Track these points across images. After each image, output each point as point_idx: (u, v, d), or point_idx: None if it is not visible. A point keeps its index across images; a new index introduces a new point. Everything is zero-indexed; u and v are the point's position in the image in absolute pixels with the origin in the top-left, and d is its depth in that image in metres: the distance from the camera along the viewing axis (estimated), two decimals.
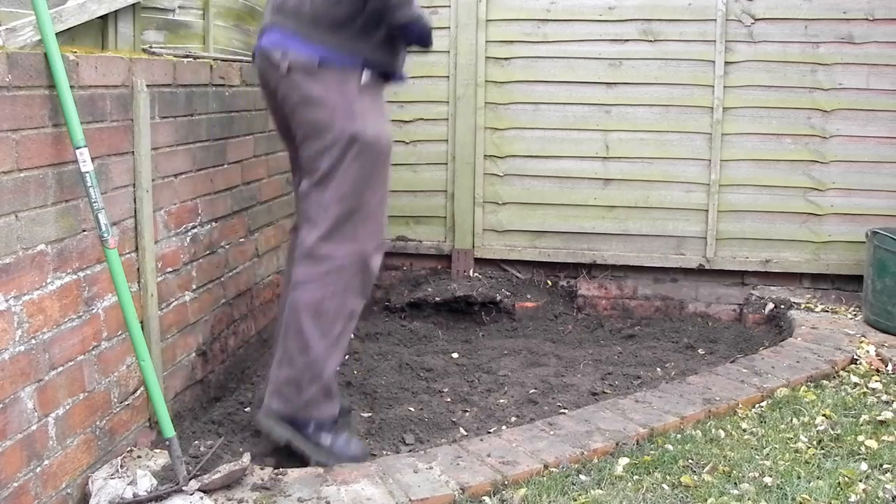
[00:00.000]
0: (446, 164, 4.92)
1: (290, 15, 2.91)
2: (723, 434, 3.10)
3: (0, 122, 2.19)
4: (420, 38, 3.03)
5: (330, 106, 2.87)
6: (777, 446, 2.99)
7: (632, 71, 4.71)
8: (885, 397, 3.41)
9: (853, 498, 2.63)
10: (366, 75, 2.90)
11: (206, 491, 2.55)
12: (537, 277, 4.97)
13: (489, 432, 3.23)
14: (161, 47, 3.28)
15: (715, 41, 4.60)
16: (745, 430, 3.14)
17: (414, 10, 2.92)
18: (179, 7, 3.50)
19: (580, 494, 2.66)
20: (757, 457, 2.92)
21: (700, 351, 4.29)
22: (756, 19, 4.57)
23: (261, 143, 4.02)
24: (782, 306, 4.51)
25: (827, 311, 4.44)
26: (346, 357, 4.20)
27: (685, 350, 4.30)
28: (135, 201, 2.88)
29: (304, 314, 2.93)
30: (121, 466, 2.69)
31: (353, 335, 4.05)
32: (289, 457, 2.95)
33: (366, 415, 3.52)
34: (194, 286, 3.35)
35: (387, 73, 3.03)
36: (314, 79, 2.86)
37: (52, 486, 2.43)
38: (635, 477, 2.79)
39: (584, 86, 4.77)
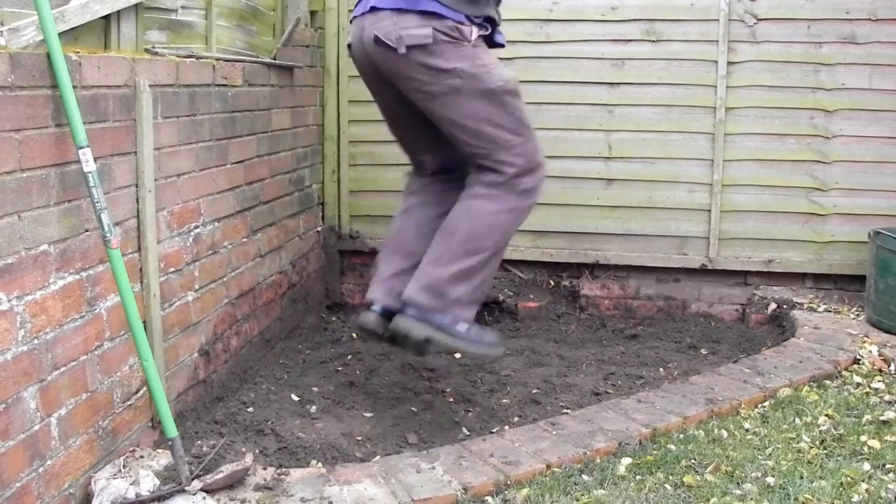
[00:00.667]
0: None
1: None
2: (725, 434, 3.10)
3: (3, 122, 2.20)
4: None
5: (456, 70, 3.11)
6: (780, 446, 2.99)
7: (634, 71, 4.70)
8: (887, 397, 3.41)
9: (856, 498, 2.63)
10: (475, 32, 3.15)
11: (208, 491, 2.56)
12: (540, 277, 4.97)
13: (492, 432, 3.23)
14: (164, 47, 3.28)
15: (717, 41, 4.59)
16: (747, 430, 3.14)
17: None
18: (182, 7, 3.50)
19: (583, 494, 2.66)
20: (759, 457, 2.92)
21: (703, 351, 4.29)
22: (759, 19, 4.56)
23: (263, 143, 4.02)
24: (785, 306, 4.51)
25: (830, 312, 4.43)
26: (349, 357, 4.21)
27: (688, 350, 4.30)
28: (137, 201, 2.88)
29: (482, 221, 3.23)
30: (123, 466, 2.69)
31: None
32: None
33: (368, 415, 3.52)
34: (197, 286, 3.35)
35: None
36: (434, 54, 3.09)
37: (54, 487, 2.44)
38: (638, 477, 2.78)
39: (586, 86, 4.76)
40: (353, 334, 4.58)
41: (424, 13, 3.07)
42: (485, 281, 3.32)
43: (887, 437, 3.04)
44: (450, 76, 3.13)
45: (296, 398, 3.67)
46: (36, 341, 2.35)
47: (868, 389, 3.49)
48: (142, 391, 2.91)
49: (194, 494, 2.53)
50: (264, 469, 2.74)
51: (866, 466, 2.83)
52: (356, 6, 3.32)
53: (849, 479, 2.73)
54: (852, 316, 4.37)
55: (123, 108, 2.78)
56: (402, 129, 3.59)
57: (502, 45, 3.41)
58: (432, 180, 3.57)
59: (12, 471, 2.26)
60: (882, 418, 3.18)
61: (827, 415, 3.23)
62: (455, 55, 3.12)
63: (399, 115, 3.50)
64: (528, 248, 4.92)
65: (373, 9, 3.16)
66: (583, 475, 2.80)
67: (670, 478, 2.77)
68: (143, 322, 2.84)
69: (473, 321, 3.31)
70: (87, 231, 2.58)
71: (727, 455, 2.92)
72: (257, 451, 3.09)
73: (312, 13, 4.82)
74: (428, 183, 3.57)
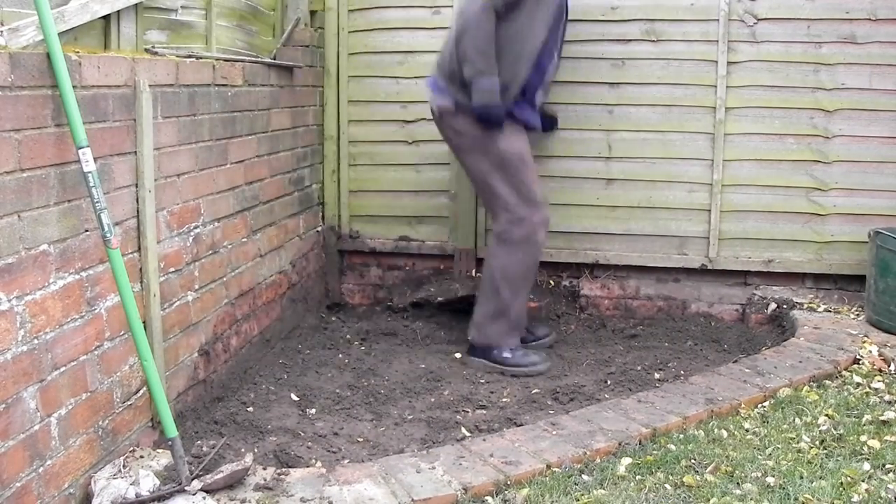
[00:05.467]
0: (449, 164, 4.91)
1: (438, 68, 4.16)
2: (725, 434, 3.10)
3: (3, 122, 2.20)
4: (480, 104, 3.91)
5: (468, 135, 4.05)
6: (779, 446, 2.99)
7: (635, 71, 4.70)
8: (887, 397, 3.41)
9: (856, 498, 2.63)
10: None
11: (208, 491, 2.56)
12: (540, 277, 4.96)
13: (492, 432, 3.23)
14: (164, 47, 3.28)
15: (717, 41, 4.58)
16: (747, 430, 3.14)
17: (476, 73, 3.88)
18: (182, 7, 3.50)
19: (583, 494, 2.66)
20: (759, 457, 2.92)
21: (702, 351, 4.28)
22: (758, 19, 4.56)
23: (263, 143, 4.03)
24: (785, 306, 4.50)
25: (829, 311, 4.43)
26: (349, 357, 4.21)
27: (688, 350, 4.30)
28: (137, 201, 2.88)
29: (495, 271, 4.11)
30: (123, 466, 2.69)
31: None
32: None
33: (368, 415, 3.52)
34: (197, 286, 3.35)
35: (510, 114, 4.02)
36: (454, 117, 4.07)
37: (54, 486, 2.44)
38: (638, 477, 2.78)
39: (586, 85, 4.76)
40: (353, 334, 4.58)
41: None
42: (516, 314, 4.10)
43: (887, 437, 3.04)
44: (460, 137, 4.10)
45: (295, 398, 3.67)
46: (36, 341, 2.35)
47: (868, 389, 3.49)
48: (142, 391, 2.91)
49: (194, 494, 2.53)
50: (264, 469, 2.74)
51: (866, 466, 2.83)
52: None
53: (849, 478, 2.73)
54: (852, 316, 4.37)
55: (123, 108, 2.78)
56: None
57: (528, 126, 4.12)
58: None
59: (12, 471, 2.26)
60: (882, 418, 3.18)
61: (827, 415, 3.23)
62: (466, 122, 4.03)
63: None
64: None
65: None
66: (583, 475, 2.80)
67: (670, 478, 2.77)
68: (143, 322, 2.85)
69: (519, 345, 4.12)
70: (86, 231, 2.58)
71: (727, 455, 2.92)
72: (257, 450, 3.09)
73: (312, 13, 4.82)
74: None
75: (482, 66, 3.88)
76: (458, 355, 4.26)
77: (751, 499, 2.63)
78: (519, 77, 3.99)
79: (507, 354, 4.05)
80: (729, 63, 4.58)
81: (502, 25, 3.90)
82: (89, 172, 2.42)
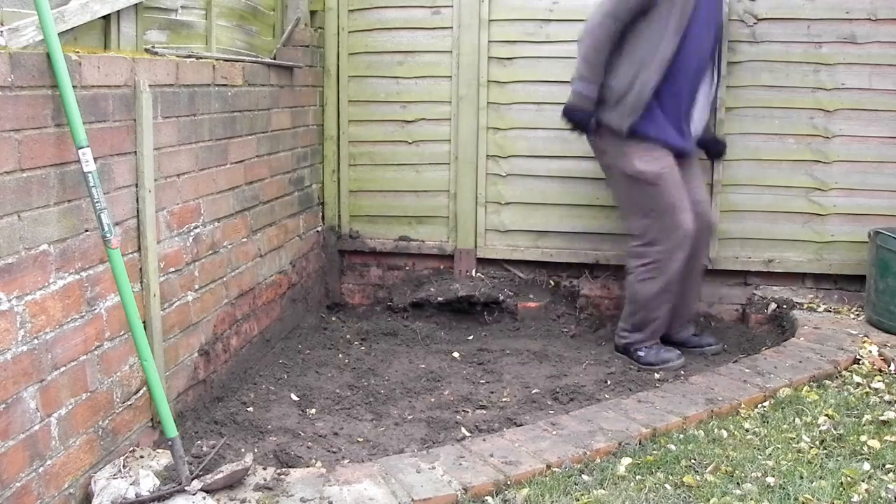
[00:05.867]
0: (449, 164, 4.91)
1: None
2: (725, 434, 3.10)
3: (3, 122, 2.20)
4: (568, 105, 4.12)
5: (608, 153, 4.18)
6: (779, 446, 2.99)
7: None
8: (887, 397, 3.41)
9: (856, 498, 2.62)
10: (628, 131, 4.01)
11: (208, 491, 2.56)
12: (540, 277, 4.97)
13: (492, 432, 3.23)
14: (163, 47, 3.28)
15: None
16: (747, 430, 3.14)
17: (577, 77, 4.06)
18: (182, 7, 3.50)
19: (583, 494, 2.66)
20: (759, 457, 2.92)
21: (702, 350, 4.28)
22: (758, 19, 4.56)
23: (263, 143, 4.03)
24: (785, 306, 4.50)
25: (829, 311, 4.43)
26: (349, 357, 4.21)
27: (687, 350, 4.29)
28: (137, 201, 2.88)
29: (632, 289, 4.22)
30: (123, 466, 2.69)
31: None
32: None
33: (368, 415, 3.52)
34: (197, 286, 3.35)
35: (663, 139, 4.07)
36: (598, 136, 4.15)
37: (54, 486, 2.44)
38: (638, 477, 2.78)
39: None
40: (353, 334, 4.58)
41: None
42: (653, 324, 4.16)
43: (887, 437, 3.04)
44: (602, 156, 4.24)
45: (295, 398, 3.67)
46: (36, 341, 2.35)
47: (868, 389, 3.49)
48: (142, 391, 2.91)
49: (194, 494, 2.53)
50: (264, 469, 2.74)
51: (866, 466, 2.83)
52: None
53: (849, 478, 2.73)
54: (852, 316, 4.37)
55: (123, 108, 2.78)
56: None
57: (672, 146, 4.07)
58: None
59: (12, 471, 2.26)
60: (882, 418, 3.18)
61: (827, 415, 3.23)
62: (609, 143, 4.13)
63: None
64: (528, 248, 4.92)
65: None
66: (583, 475, 2.80)
67: (670, 478, 2.77)
68: (143, 322, 2.84)
69: (655, 344, 4.19)
70: (86, 231, 2.58)
71: (727, 455, 2.92)
72: (257, 450, 3.09)
73: (312, 13, 4.82)
74: None
75: (583, 72, 3.99)
76: (456, 355, 4.26)
77: (751, 499, 2.63)
78: (643, 87, 3.92)
79: (642, 352, 4.14)
80: (729, 63, 4.58)
81: (629, 32, 3.93)
82: (89, 172, 2.42)
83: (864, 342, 3.92)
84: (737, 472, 2.81)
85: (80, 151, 2.41)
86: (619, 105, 3.98)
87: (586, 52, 3.98)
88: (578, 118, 4.06)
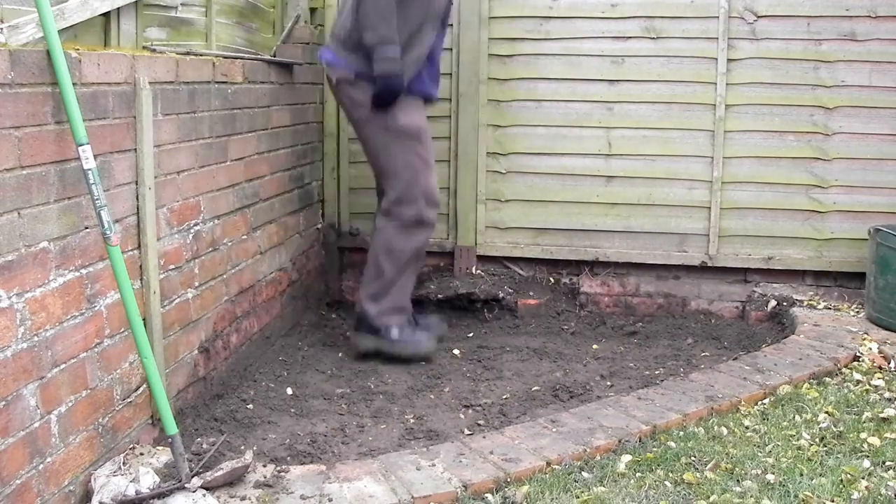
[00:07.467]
0: (449, 161, 4.91)
1: (334, 38, 4.04)
2: (725, 431, 3.10)
3: (2, 119, 2.19)
4: (382, 72, 3.80)
5: (366, 105, 3.91)
6: (779, 443, 2.99)
7: (634, 68, 4.70)
8: (887, 394, 3.41)
9: (855, 495, 2.63)
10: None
11: (208, 488, 2.56)
12: (540, 275, 4.97)
13: (492, 429, 3.23)
14: (163, 44, 3.28)
15: (717, 38, 4.58)
16: (747, 428, 3.14)
17: (379, 40, 3.75)
18: (182, 4, 3.49)
19: (583, 491, 2.66)
20: (759, 454, 2.92)
21: (702, 348, 4.28)
22: (758, 16, 4.56)
23: (263, 140, 4.02)
24: (785, 303, 4.51)
25: (829, 309, 4.43)
26: (349, 355, 4.21)
27: (688, 347, 4.30)
28: (137, 198, 2.88)
29: (380, 250, 4.05)
30: (123, 464, 2.69)
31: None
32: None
33: (368, 412, 3.52)
34: (197, 283, 3.35)
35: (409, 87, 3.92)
36: (353, 87, 3.94)
37: (54, 484, 2.44)
38: (638, 474, 2.79)
39: (586, 83, 4.76)
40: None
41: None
42: (400, 293, 4.06)
43: (887, 435, 3.04)
44: (359, 108, 3.99)
45: (296, 395, 3.67)
46: (36, 338, 2.35)
47: (868, 387, 3.49)
48: (142, 388, 2.91)
49: (194, 492, 2.53)
50: (264, 466, 2.74)
51: (866, 463, 2.83)
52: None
53: (849, 476, 2.73)
54: (852, 313, 4.37)
55: (123, 106, 2.78)
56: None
57: (428, 98, 4.12)
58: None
59: (12, 468, 2.26)
60: (882, 415, 3.18)
61: (827, 412, 3.23)
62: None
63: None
64: (528, 246, 4.92)
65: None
66: (583, 472, 2.80)
67: (670, 475, 2.77)
68: (143, 319, 2.84)
69: (406, 323, 4.08)
70: (86, 228, 2.57)
71: (727, 452, 2.93)
72: (257, 448, 3.09)
73: (312, 10, 4.81)
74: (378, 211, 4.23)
75: (385, 33, 3.75)
76: (456, 352, 4.26)
77: (751, 496, 2.64)
78: (424, 43, 3.90)
79: (395, 333, 4.02)
80: (729, 60, 4.59)
81: None
82: (89, 170, 2.42)
83: (864, 339, 3.93)
84: (737, 469, 2.81)
85: (80, 149, 2.41)
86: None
87: (380, 10, 3.73)
88: (397, 84, 3.83)
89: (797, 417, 3.21)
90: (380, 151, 4.01)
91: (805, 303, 4.49)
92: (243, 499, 2.54)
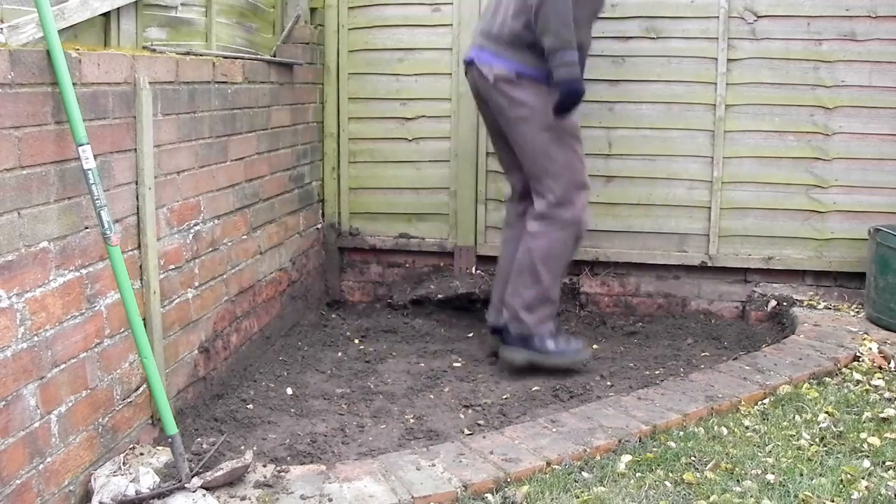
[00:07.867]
0: (449, 161, 4.91)
1: (492, 38, 3.88)
2: (725, 431, 3.10)
3: (2, 119, 2.20)
4: (567, 78, 3.69)
5: (529, 105, 3.82)
6: (779, 443, 2.99)
7: (634, 68, 4.70)
8: (887, 394, 3.41)
9: (855, 495, 2.63)
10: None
11: (208, 488, 2.56)
12: None
13: (492, 429, 3.23)
14: (163, 44, 3.28)
15: (717, 38, 4.58)
16: (747, 428, 3.14)
17: (562, 44, 3.65)
18: (182, 4, 3.49)
19: (583, 491, 2.66)
20: (759, 454, 2.92)
21: (702, 348, 4.28)
22: (758, 16, 4.56)
23: (263, 140, 4.02)
24: (785, 303, 4.51)
25: (829, 309, 4.43)
26: (349, 355, 4.21)
27: (687, 347, 4.30)
28: (137, 198, 2.88)
29: (538, 257, 3.90)
30: (123, 464, 2.69)
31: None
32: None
33: (368, 412, 3.52)
34: (197, 283, 3.35)
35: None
36: (515, 86, 3.83)
37: (54, 484, 2.44)
38: (638, 474, 2.79)
39: (586, 83, 4.69)
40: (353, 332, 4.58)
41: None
42: (553, 300, 3.96)
43: (887, 435, 3.04)
44: (519, 108, 3.84)
45: (295, 395, 3.67)
46: (36, 338, 2.35)
47: (868, 387, 3.49)
48: (142, 388, 2.91)
49: (194, 492, 2.53)
50: (264, 466, 2.74)
51: (866, 463, 2.83)
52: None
53: (849, 476, 2.73)
54: (852, 313, 4.37)
55: (123, 106, 2.78)
56: (496, 147, 4.27)
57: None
58: (519, 211, 4.13)
59: (12, 468, 2.26)
60: (882, 415, 3.18)
61: (827, 412, 3.23)
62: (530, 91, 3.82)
63: (493, 135, 4.23)
64: None
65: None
66: (583, 472, 2.80)
67: (670, 475, 2.77)
68: (143, 319, 2.84)
69: (556, 331, 3.96)
70: (86, 228, 2.58)
71: (727, 452, 2.93)
72: (257, 448, 3.09)
73: (312, 10, 4.81)
74: (517, 215, 4.14)
75: (567, 37, 3.66)
76: (457, 352, 4.25)
77: (751, 496, 2.64)
78: (584, 42, 3.90)
79: (550, 344, 3.89)
80: (729, 60, 4.58)
81: None
82: (89, 170, 2.42)
83: (864, 339, 3.93)
84: (737, 469, 2.81)
85: (80, 149, 2.41)
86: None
87: (561, 14, 3.65)
88: (580, 89, 3.75)
89: (797, 417, 3.21)
90: (541, 152, 3.85)
91: (805, 303, 4.49)
92: (243, 499, 2.54)
